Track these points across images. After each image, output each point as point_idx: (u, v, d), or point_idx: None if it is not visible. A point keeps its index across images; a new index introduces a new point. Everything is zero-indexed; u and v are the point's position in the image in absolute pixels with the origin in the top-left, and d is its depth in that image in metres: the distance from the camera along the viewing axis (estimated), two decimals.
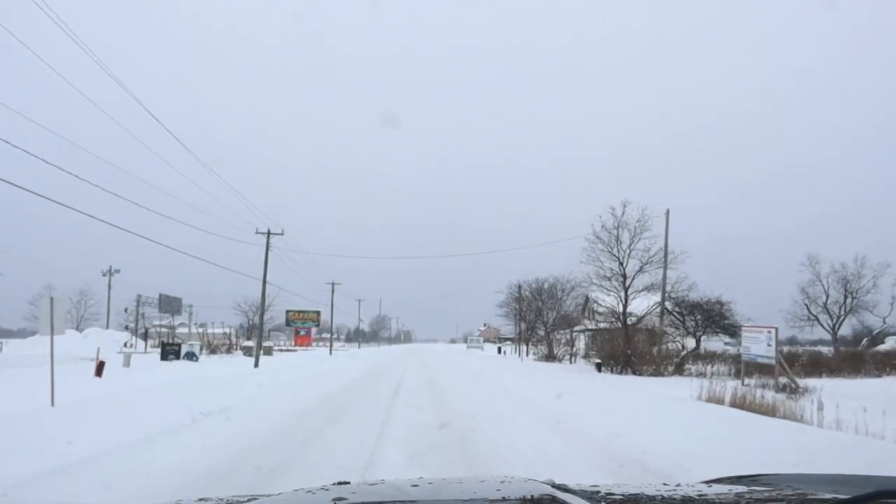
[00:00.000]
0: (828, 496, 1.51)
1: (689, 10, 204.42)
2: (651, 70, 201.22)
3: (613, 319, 27.25)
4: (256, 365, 29.87)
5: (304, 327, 79.47)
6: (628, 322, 36.51)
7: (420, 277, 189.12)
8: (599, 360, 24.51)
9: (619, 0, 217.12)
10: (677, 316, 26.32)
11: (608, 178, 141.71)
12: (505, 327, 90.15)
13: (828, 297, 46.73)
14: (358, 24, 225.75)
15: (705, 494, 1.59)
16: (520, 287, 56.21)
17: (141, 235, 20.34)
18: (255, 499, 1.54)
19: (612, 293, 26.42)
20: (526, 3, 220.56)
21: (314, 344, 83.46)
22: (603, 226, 26.53)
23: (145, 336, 58.57)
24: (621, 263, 26.19)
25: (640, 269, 25.89)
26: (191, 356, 32.07)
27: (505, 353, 66.96)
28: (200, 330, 70.75)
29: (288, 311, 77.10)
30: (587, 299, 54.72)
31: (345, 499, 1.40)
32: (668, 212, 25.79)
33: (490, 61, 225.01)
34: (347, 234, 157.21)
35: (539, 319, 48.79)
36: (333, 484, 1.62)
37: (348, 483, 1.65)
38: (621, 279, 26.22)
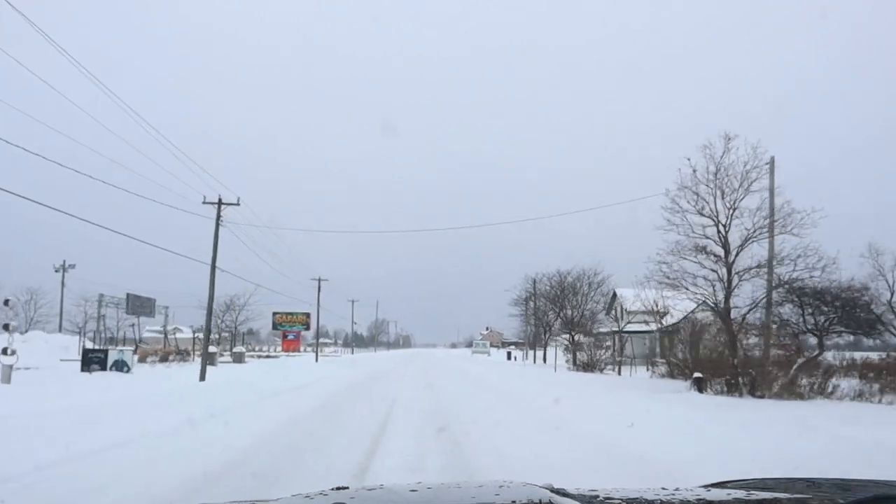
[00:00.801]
0: (826, 500, 1.51)
1: (688, 10, 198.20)
2: (651, 70, 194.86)
3: (705, 312, 18.94)
4: (203, 378, 22.30)
5: (292, 331, 72.58)
6: (668, 325, 27.18)
7: (419, 278, 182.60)
8: (700, 375, 16.07)
9: (619, 1, 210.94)
10: (796, 307, 18.42)
11: (608, 177, 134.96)
12: (508, 330, 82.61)
13: (892, 293, 40.45)
14: (358, 24, 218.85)
15: (704, 499, 1.55)
16: (534, 282, 48.88)
17: (104, 226, 14.36)
18: None
19: (706, 270, 17.20)
20: (526, 4, 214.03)
21: (305, 349, 75.65)
22: (694, 171, 17.12)
23: (106, 341, 51.36)
24: (720, 230, 17.07)
25: (750, 238, 16.76)
26: (121, 366, 24.50)
27: (515, 358, 59.37)
28: (172, 334, 63.01)
29: (274, 314, 70.30)
30: (614, 295, 46.81)
31: None
32: (772, 160, 18.23)
33: (490, 61, 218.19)
34: (347, 237, 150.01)
35: (561, 319, 41.26)
36: (332, 489, 1.54)
37: (346, 488, 1.57)
38: (722, 251, 17.05)
